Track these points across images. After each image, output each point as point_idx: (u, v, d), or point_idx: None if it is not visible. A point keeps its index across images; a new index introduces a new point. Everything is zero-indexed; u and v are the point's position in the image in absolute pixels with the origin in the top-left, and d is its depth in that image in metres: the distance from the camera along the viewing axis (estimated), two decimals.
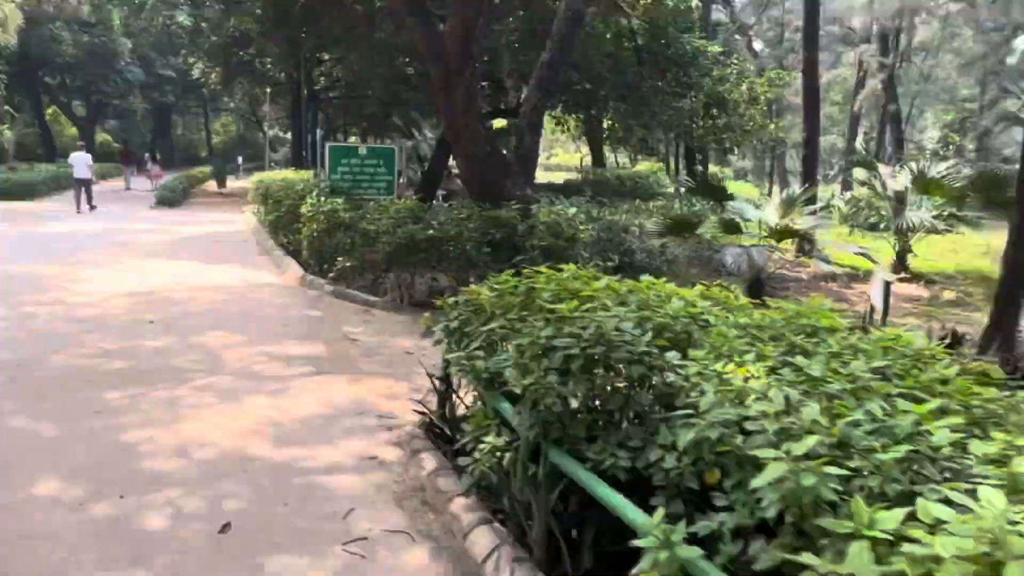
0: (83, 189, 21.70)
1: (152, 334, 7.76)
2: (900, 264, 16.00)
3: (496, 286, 4.92)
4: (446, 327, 4.86)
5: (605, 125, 33.96)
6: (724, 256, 12.43)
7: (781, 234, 12.77)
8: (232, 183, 36.15)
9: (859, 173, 18.90)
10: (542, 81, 10.90)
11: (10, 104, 37.79)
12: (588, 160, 45.61)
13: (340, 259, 10.38)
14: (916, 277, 15.92)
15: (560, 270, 4.82)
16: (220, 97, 58.96)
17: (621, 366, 3.36)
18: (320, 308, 9.55)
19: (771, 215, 13.57)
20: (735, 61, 18.29)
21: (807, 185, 15.07)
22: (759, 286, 12.96)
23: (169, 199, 25.11)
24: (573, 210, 9.82)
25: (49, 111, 51.42)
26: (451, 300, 5.16)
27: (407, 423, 5.47)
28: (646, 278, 4.57)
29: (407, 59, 14.87)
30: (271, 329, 8.28)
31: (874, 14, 24.58)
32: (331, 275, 10.73)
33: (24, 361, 6.57)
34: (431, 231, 9.40)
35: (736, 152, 45.17)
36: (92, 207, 21.88)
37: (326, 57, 21.98)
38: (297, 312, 9.25)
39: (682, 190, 38.88)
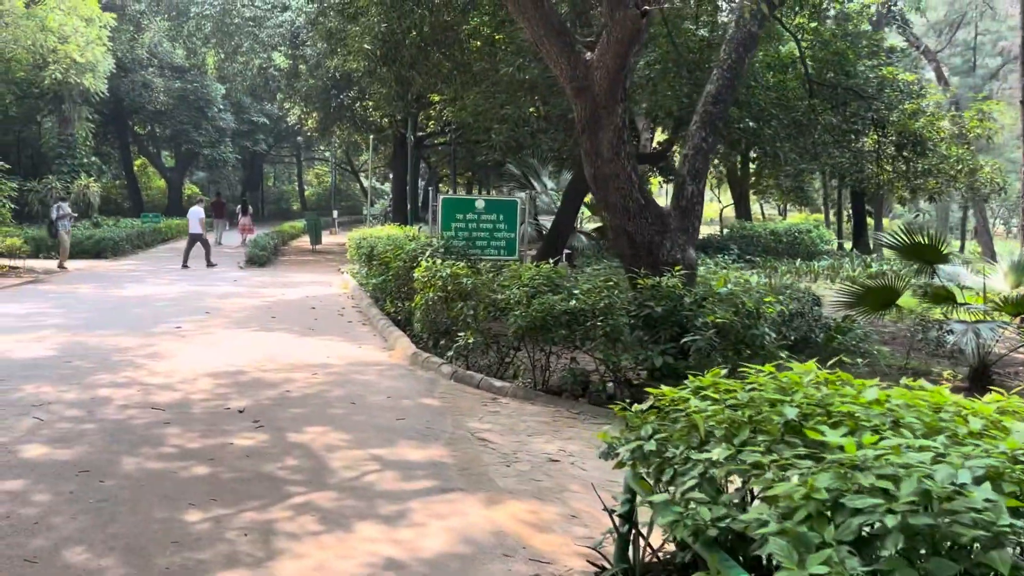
0: (193, 245, 24.39)
1: (242, 428, 7.31)
2: None
3: (706, 391, 4.08)
4: (638, 449, 4.04)
5: (752, 168, 32.91)
6: (942, 335, 11.08)
7: (1018, 307, 11.29)
8: (327, 239, 37.08)
9: None
10: (708, 118, 10.14)
11: (97, 154, 40.50)
12: (730, 210, 44.35)
13: (461, 334, 9.80)
14: None
15: (786, 364, 3.99)
16: (315, 145, 61.80)
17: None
18: (438, 395, 8.93)
19: (999, 282, 12.12)
20: (930, 92, 16.95)
21: None
22: (985, 372, 11.51)
23: (259, 258, 25.76)
24: (755, 279, 8.87)
25: (137, 162, 55.09)
26: (638, 408, 4.36)
27: (570, 571, 4.63)
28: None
29: (535, 98, 14.52)
30: (382, 423, 7.68)
31: None
32: (449, 353, 10.16)
33: (92, 463, 6.18)
34: (573, 302, 8.68)
35: (907, 203, 42.75)
36: (209, 264, 24.50)
37: (435, 99, 22.16)
38: (411, 400, 8.65)
39: (870, 249, 37.05)
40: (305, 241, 36.44)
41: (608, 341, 8.65)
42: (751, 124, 14.42)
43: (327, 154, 64.95)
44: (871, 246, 38.15)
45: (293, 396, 8.64)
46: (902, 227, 14.88)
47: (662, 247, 9.56)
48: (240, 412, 7.87)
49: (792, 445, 3.33)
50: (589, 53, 9.43)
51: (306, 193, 74.62)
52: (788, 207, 50.25)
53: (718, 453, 3.45)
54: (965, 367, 12.12)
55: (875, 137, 16.64)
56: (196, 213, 24.65)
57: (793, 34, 15.02)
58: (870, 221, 37.86)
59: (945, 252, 12.14)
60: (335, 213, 47.94)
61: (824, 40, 16.40)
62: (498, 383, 9.24)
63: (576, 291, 8.99)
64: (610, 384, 8.77)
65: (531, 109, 16.18)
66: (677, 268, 8.92)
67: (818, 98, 15.79)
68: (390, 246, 14.22)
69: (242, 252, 26.98)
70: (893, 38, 28.72)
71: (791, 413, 3.44)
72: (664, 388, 4.42)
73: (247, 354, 10.77)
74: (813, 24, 16.44)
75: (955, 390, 13.05)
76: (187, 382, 9.11)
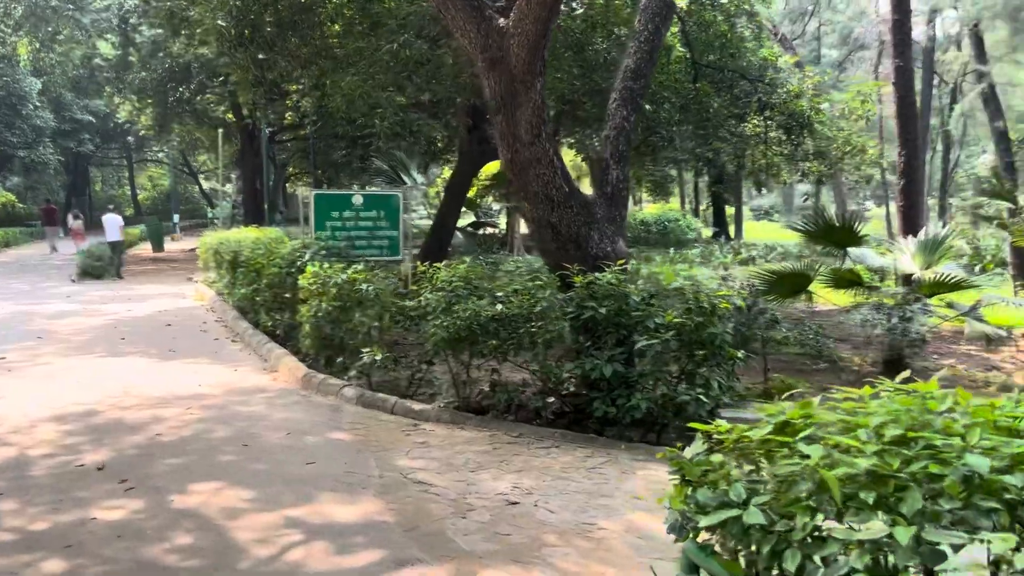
0: (118, 253, 23.90)
1: (104, 493, 5.64)
2: None
3: (795, 425, 2.99)
4: (733, 522, 2.92)
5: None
6: (868, 321, 10.65)
7: (932, 288, 11.07)
8: (170, 246, 34.04)
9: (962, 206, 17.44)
10: (629, 94, 9.15)
11: None
12: None
13: (365, 350, 8.37)
14: None
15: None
16: (148, 145, 57.28)
17: None
18: (347, 426, 7.47)
19: (906, 263, 11.90)
20: (808, 75, 16.86)
21: (945, 225, 13.35)
22: (900, 358, 11.22)
23: (96, 269, 22.93)
24: (706, 271, 7.96)
25: None
26: (696, 452, 3.25)
27: None
28: None
29: (420, 80, 13.15)
30: (290, 471, 6.19)
31: (967, 12, 23.54)
32: (350, 373, 8.71)
33: None
34: (500, 307, 7.48)
35: (765, 188, 44.21)
36: (119, 276, 23.41)
37: (293, 88, 20.27)
38: (317, 436, 7.16)
39: (729, 236, 37.76)
40: (144, 249, 33.27)
41: (546, 350, 7.52)
42: (647, 107, 13.68)
43: (161, 155, 60.48)
44: (730, 233, 39.09)
45: (166, 441, 6.96)
46: (818, 211, 14.67)
47: (590, 239, 8.50)
48: (99, 469, 6.16)
49: (989, 512, 2.32)
50: (502, 19, 8.23)
51: (139, 197, 69.24)
52: (644, 198, 51.01)
53: (901, 535, 2.34)
54: (878, 352, 11.92)
55: (758, 120, 16.40)
56: (115, 220, 23.92)
57: (678, 15, 14.44)
58: (729, 209, 38.83)
59: (863, 236, 11.82)
60: (176, 217, 44.40)
61: (706, 22, 15.96)
62: (417, 406, 7.90)
63: (500, 294, 7.81)
64: (550, 399, 7.63)
65: (420, 93, 14.77)
66: (620, 262, 7.89)
67: (704, 81, 15.32)
68: (260, 250, 12.48)
69: (73, 264, 24.01)
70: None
71: (981, 465, 2.40)
72: (720, 423, 3.33)
73: (97, 388, 8.88)
74: (693, 6, 15.98)
75: (865, 375, 12.84)
76: (21, 432, 7.22)
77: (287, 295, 10.88)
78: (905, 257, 12.01)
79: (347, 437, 7.14)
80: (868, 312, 10.67)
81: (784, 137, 15.76)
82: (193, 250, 30.22)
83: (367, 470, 6.22)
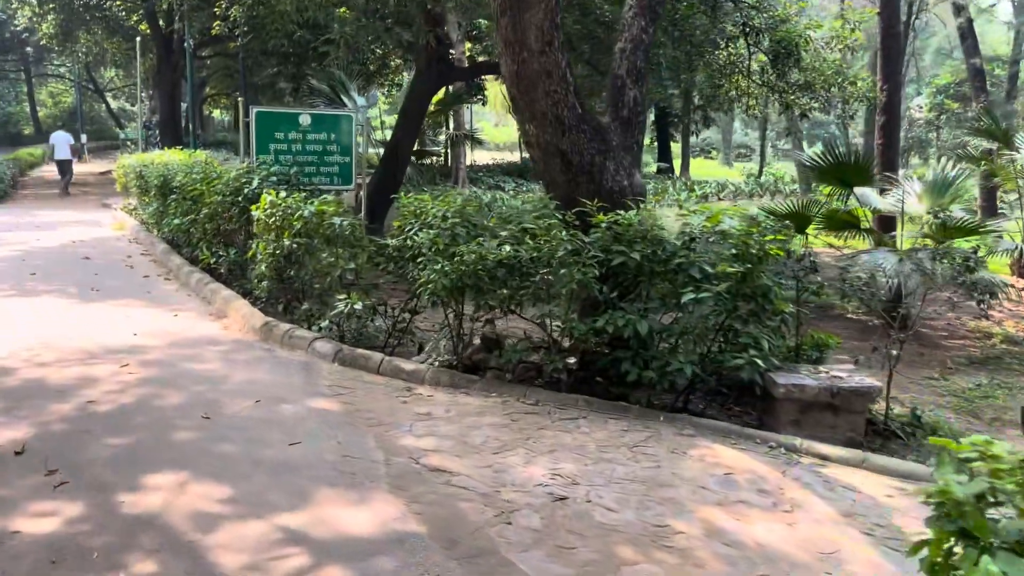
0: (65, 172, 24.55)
1: (29, 492, 4.29)
2: None
3: None
4: None
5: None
6: (879, 267, 9.78)
7: (949, 233, 10.31)
8: (79, 168, 31.28)
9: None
10: (646, 1, 7.89)
11: None
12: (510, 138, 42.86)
13: (341, 298, 7.07)
14: None
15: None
16: (49, 57, 52.98)
17: None
18: (328, 391, 6.19)
19: (914, 205, 11.12)
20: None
21: (945, 164, 12.55)
22: (896, 304, 10.46)
23: None
24: (754, 209, 6.88)
25: None
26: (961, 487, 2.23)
27: None
28: None
29: None
30: (271, 455, 4.90)
31: None
32: (321, 324, 7.40)
33: None
34: (508, 249, 6.25)
35: (706, 122, 43.47)
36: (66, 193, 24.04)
37: None
38: (295, 405, 5.86)
39: (673, 171, 36.62)
40: (48, 171, 30.50)
41: (569, 302, 6.36)
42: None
43: (64, 69, 56.00)
44: (675, 169, 38.32)
45: (103, 411, 5.57)
46: (821, 147, 13.70)
47: (605, 170, 7.30)
48: (18, 454, 4.77)
49: None
50: None
51: (40, 115, 64.26)
52: None
53: None
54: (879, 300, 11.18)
55: (739, 46, 15.31)
56: (65, 138, 24.60)
57: None
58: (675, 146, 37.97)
59: (872, 173, 10.95)
60: (84, 138, 41.07)
61: None
62: (408, 365, 6.67)
63: (505, 233, 6.58)
64: (571, 360, 6.51)
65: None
66: (638, 198, 6.75)
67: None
68: (196, 175, 10.84)
69: None
70: None
71: None
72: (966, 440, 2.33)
73: (5, 337, 7.37)
74: None
75: (865, 328, 12.12)
76: None
77: (233, 227, 9.42)
78: (912, 199, 11.24)
79: (332, 406, 5.86)
80: (883, 257, 9.82)
81: (769, 67, 14.68)
82: (105, 173, 27.81)
83: (368, 453, 5.00)
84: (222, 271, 9.81)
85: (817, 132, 51.18)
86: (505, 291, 6.35)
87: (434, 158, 27.01)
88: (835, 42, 15.24)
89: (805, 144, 37.79)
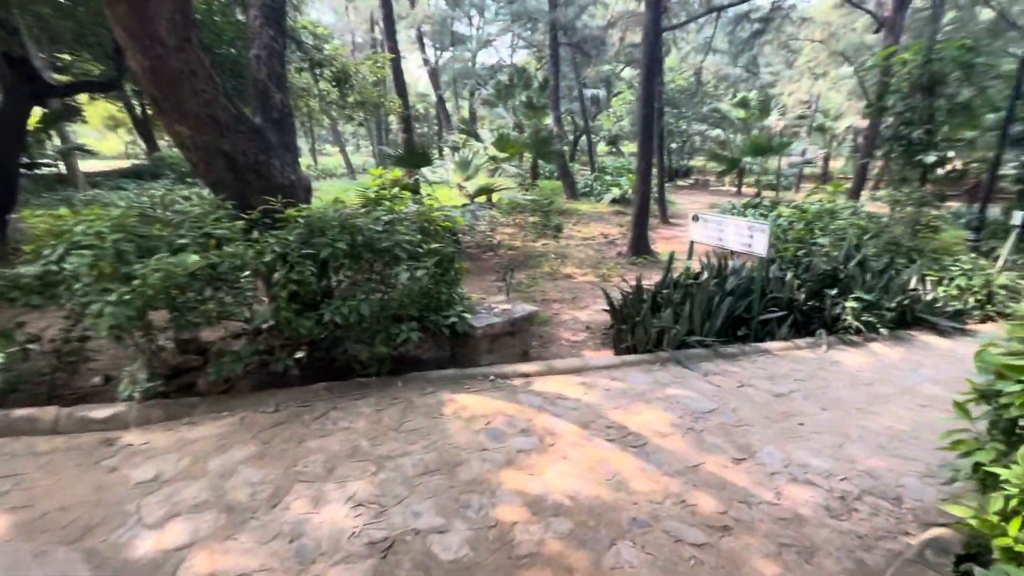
0: None
1: None
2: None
3: None
4: None
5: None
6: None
7: (481, 193, 9.36)
8: None
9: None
10: (271, 12, 4.84)
11: None
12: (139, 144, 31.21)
13: None
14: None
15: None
16: None
17: None
18: None
19: (454, 177, 9.93)
20: (333, 40, 12.91)
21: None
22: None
23: None
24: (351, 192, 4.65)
25: None
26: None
27: None
28: None
29: None
30: None
31: None
32: None
33: None
34: (195, 258, 3.27)
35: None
36: None
37: None
38: None
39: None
40: None
41: (288, 300, 3.60)
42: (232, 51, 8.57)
43: None
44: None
45: None
46: (398, 142, 11.37)
47: (272, 167, 4.40)
48: None
49: None
50: None
51: None
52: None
53: None
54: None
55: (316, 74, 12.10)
56: None
57: None
58: None
59: (432, 158, 9.31)
60: None
61: None
62: (102, 411, 3.20)
63: (185, 240, 3.47)
64: (299, 354, 3.80)
65: None
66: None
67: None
68: None
69: None
70: None
71: None
72: None
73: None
74: None
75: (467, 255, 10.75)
76: None
77: None
78: (450, 171, 10.07)
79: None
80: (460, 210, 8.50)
81: (335, 87, 11.86)
82: None
83: None
84: None
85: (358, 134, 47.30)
86: (211, 305, 3.35)
87: (48, 169, 17.78)
88: (372, 73, 12.94)
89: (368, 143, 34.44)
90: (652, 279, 7.47)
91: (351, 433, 3.14)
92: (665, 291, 5.56)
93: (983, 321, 6.88)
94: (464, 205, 8.57)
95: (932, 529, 2.65)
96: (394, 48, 14.38)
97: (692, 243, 6.10)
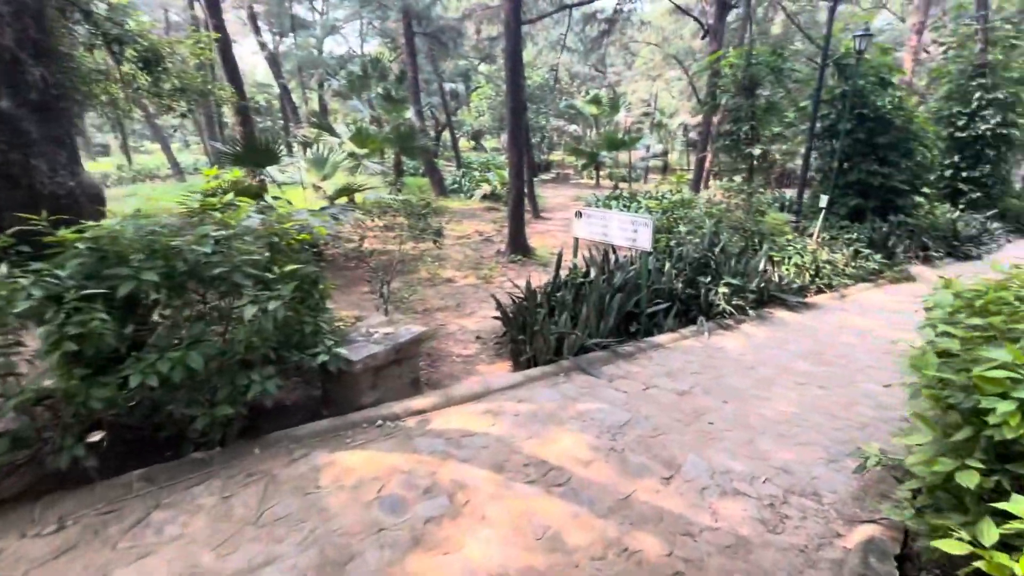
0: None
1: None
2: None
3: None
4: None
5: None
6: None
7: (341, 193, 8.22)
8: None
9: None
10: None
11: None
12: None
13: None
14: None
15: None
16: None
17: None
18: None
19: (308, 176, 8.62)
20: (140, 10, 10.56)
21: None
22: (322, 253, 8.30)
23: None
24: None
25: None
26: None
27: None
28: None
29: None
30: None
31: None
32: None
33: None
34: None
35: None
36: None
37: None
38: None
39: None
40: None
41: (67, 364, 2.46)
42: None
43: None
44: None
45: None
46: (236, 137, 9.71)
47: (35, 171, 3.12)
48: None
49: None
50: None
51: None
52: None
53: None
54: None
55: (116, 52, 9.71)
56: None
57: None
58: None
59: (279, 155, 7.91)
60: None
61: None
62: None
63: None
64: (96, 436, 2.65)
65: None
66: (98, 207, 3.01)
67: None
68: None
69: None
70: None
71: None
72: None
73: None
74: None
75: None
76: None
77: None
78: (304, 172, 8.76)
79: None
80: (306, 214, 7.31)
81: (144, 75, 9.73)
82: None
83: None
84: None
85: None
86: None
87: None
88: (193, 55, 10.91)
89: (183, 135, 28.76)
90: (536, 278, 7.19)
91: (186, 543, 2.22)
92: (558, 293, 5.25)
93: (817, 293, 7.77)
94: (323, 208, 7.48)
95: (860, 528, 2.61)
96: (220, 27, 12.34)
97: (576, 240, 5.89)
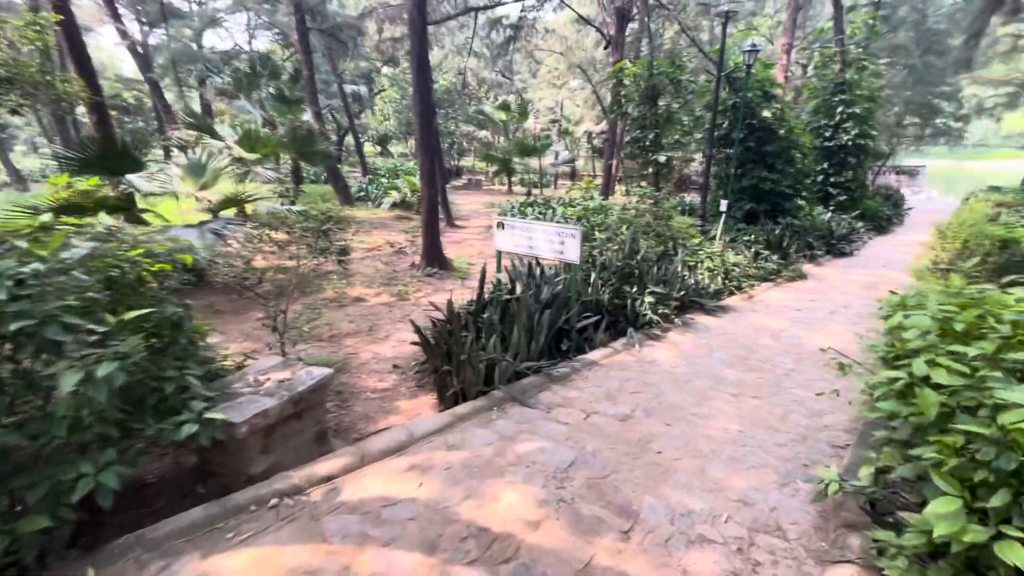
0: None
1: None
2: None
3: None
4: None
5: None
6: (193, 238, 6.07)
7: (228, 204, 7.05)
8: None
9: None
10: None
11: None
12: None
13: None
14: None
15: None
16: None
17: None
18: None
19: (182, 185, 7.32)
20: None
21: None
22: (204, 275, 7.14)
23: None
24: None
25: None
26: None
27: None
28: None
29: None
30: None
31: None
32: None
33: None
34: None
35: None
36: None
37: None
38: None
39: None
40: None
41: None
42: None
43: None
44: None
45: None
46: (86, 140, 8.20)
47: None
48: None
49: None
50: None
51: None
52: None
53: None
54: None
55: None
56: None
57: None
58: None
59: (142, 160, 6.59)
60: None
61: None
62: None
63: None
64: None
65: None
66: None
67: None
68: None
69: None
70: None
71: None
72: None
73: None
74: None
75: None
76: None
77: None
78: (176, 180, 7.47)
79: None
80: (184, 231, 6.15)
81: None
82: None
83: None
84: None
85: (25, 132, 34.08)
86: None
87: None
88: (24, 40, 9.06)
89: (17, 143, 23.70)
90: (456, 294, 6.65)
91: None
92: (484, 314, 4.76)
93: (730, 295, 7.99)
94: (204, 223, 6.37)
95: (834, 569, 2.39)
96: (64, 9, 10.42)
97: (499, 253, 5.45)
